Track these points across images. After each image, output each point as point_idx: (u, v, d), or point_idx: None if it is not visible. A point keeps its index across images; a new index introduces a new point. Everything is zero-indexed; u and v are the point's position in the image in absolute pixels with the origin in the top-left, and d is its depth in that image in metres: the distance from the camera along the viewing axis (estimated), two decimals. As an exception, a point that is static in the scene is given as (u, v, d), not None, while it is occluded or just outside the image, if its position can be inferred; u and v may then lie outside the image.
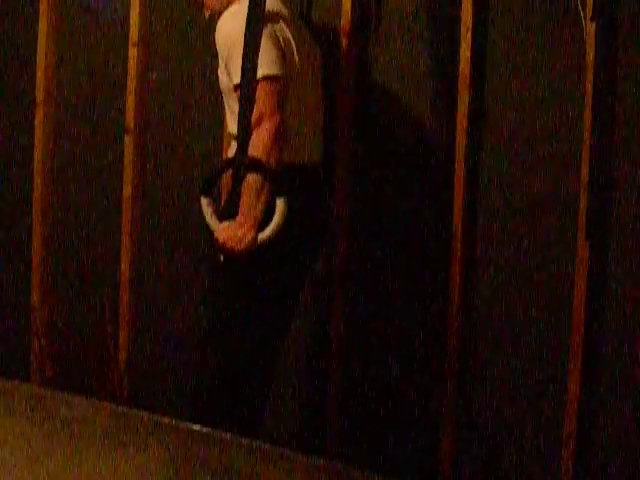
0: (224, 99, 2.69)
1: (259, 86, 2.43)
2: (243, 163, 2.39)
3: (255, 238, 2.37)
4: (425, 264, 2.95)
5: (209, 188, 2.45)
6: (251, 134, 2.41)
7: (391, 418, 3.01)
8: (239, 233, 2.38)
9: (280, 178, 2.37)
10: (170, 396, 3.33)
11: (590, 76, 2.63)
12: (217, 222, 2.43)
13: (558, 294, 2.75)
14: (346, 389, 3.06)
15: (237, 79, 2.46)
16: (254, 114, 2.41)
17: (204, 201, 2.44)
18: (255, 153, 2.40)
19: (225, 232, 2.40)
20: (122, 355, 3.41)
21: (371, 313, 3.03)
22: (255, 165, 2.37)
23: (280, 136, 2.42)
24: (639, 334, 2.65)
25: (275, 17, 2.56)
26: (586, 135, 2.65)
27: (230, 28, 2.52)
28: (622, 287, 2.67)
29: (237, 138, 2.47)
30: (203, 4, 2.75)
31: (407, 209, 2.97)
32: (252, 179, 2.38)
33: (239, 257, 2.39)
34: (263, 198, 2.39)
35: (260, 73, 2.44)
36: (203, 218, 2.48)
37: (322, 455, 2.92)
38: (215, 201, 2.49)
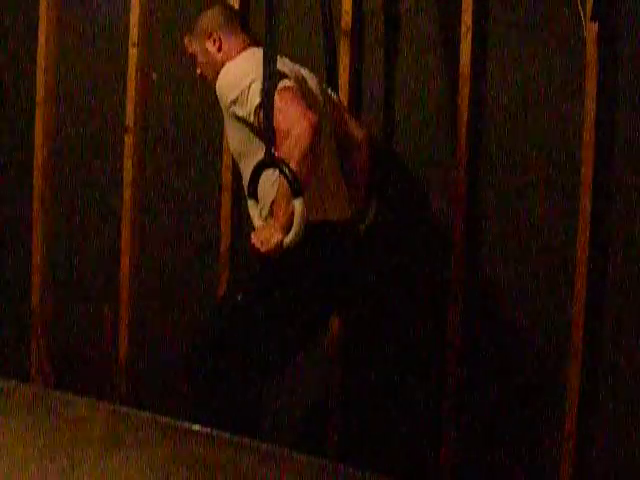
0: (239, 161, 2.65)
1: (283, 95, 2.42)
2: (267, 164, 2.46)
3: (280, 241, 2.42)
4: (426, 260, 2.96)
5: (253, 190, 2.50)
6: (274, 135, 2.43)
7: (392, 419, 3.01)
8: (266, 236, 2.44)
9: (298, 180, 2.37)
10: (170, 396, 3.33)
11: (590, 76, 2.63)
12: (262, 223, 2.51)
13: (558, 294, 2.75)
14: (347, 390, 3.06)
15: (257, 99, 2.45)
16: (290, 117, 2.39)
17: (250, 203, 2.52)
18: (290, 156, 2.38)
19: (256, 234, 2.47)
20: (122, 355, 3.41)
21: (372, 312, 3.04)
22: (277, 165, 2.41)
23: (317, 135, 2.39)
24: (639, 334, 2.65)
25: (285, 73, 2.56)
26: (586, 135, 2.65)
27: (234, 71, 2.54)
28: (622, 287, 2.67)
29: (264, 140, 2.48)
30: (197, 65, 2.74)
31: (406, 206, 2.98)
32: (284, 185, 2.40)
33: (267, 257, 2.45)
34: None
35: (281, 85, 2.45)
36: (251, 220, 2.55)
37: (322, 455, 2.92)
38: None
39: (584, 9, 2.63)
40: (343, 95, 2.97)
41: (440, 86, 2.91)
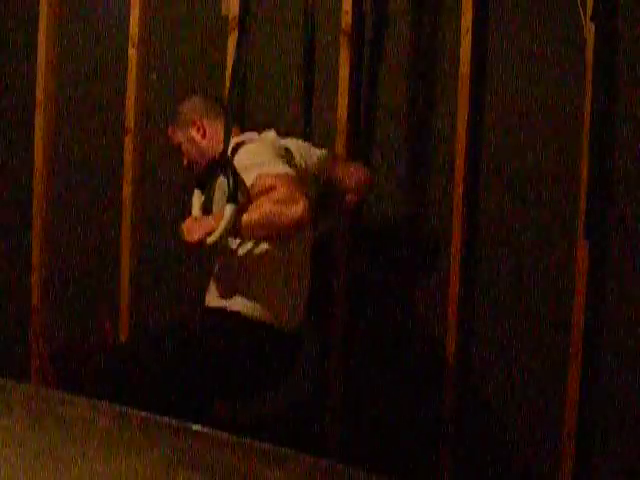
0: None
1: (282, 178, 2.40)
2: (218, 164, 2.52)
3: (202, 239, 2.44)
4: (424, 257, 2.96)
5: (202, 184, 2.57)
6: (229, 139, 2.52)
7: (392, 419, 3.01)
8: (195, 227, 2.47)
9: (237, 190, 2.40)
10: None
11: (590, 76, 2.63)
12: (199, 215, 2.57)
13: (558, 294, 2.75)
14: (347, 389, 3.06)
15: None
16: (290, 192, 2.36)
17: (196, 193, 2.59)
18: (255, 208, 2.38)
19: (188, 221, 2.50)
20: (122, 355, 3.40)
21: (372, 310, 3.04)
22: (223, 166, 2.46)
23: (301, 226, 2.39)
24: (639, 334, 2.65)
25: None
26: (585, 134, 2.65)
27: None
28: (622, 287, 2.67)
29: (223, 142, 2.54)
30: (183, 154, 2.76)
31: (406, 206, 2.98)
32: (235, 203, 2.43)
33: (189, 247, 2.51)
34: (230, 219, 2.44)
35: (281, 171, 2.44)
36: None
37: (322, 455, 2.92)
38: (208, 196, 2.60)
39: (584, 9, 2.63)
40: (343, 96, 2.98)
41: (440, 86, 2.91)
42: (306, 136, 2.88)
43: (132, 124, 3.35)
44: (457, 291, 2.85)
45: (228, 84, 2.67)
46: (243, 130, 2.74)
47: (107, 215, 3.48)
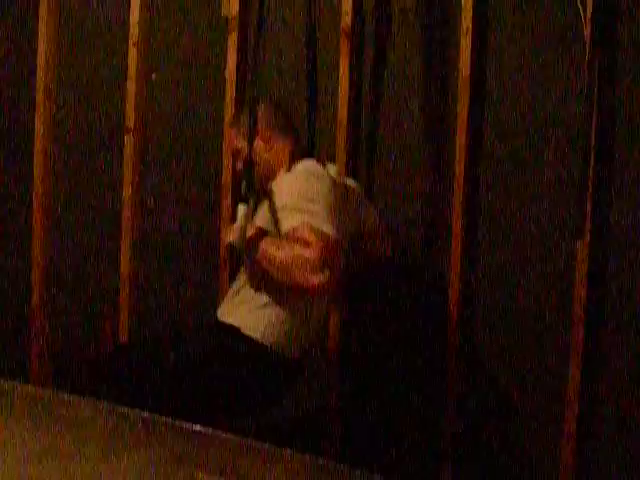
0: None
1: (328, 245, 2.33)
2: (244, 170, 2.55)
3: (234, 242, 2.51)
4: (424, 257, 2.96)
5: (245, 197, 2.54)
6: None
7: (391, 419, 3.01)
8: (229, 232, 2.56)
9: (253, 186, 2.45)
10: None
11: (590, 76, 2.63)
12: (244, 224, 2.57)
13: (558, 293, 2.75)
14: (347, 389, 3.06)
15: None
16: (324, 261, 2.30)
17: (240, 207, 2.53)
18: (288, 259, 2.35)
19: (233, 226, 2.56)
20: (122, 355, 3.41)
21: (371, 310, 3.04)
22: (243, 168, 2.51)
23: (321, 293, 2.43)
24: (639, 333, 2.65)
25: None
26: (585, 134, 2.64)
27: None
28: (622, 287, 2.67)
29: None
30: (240, 160, 2.66)
31: (405, 205, 2.98)
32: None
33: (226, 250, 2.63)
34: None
35: (330, 232, 2.38)
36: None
37: (322, 455, 2.92)
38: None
39: (584, 9, 2.63)
40: (343, 96, 2.98)
41: (440, 86, 2.91)
42: (310, 138, 2.85)
43: (132, 124, 3.35)
44: (457, 291, 2.84)
45: (248, 85, 2.66)
46: (297, 145, 2.67)
47: (107, 215, 3.48)
